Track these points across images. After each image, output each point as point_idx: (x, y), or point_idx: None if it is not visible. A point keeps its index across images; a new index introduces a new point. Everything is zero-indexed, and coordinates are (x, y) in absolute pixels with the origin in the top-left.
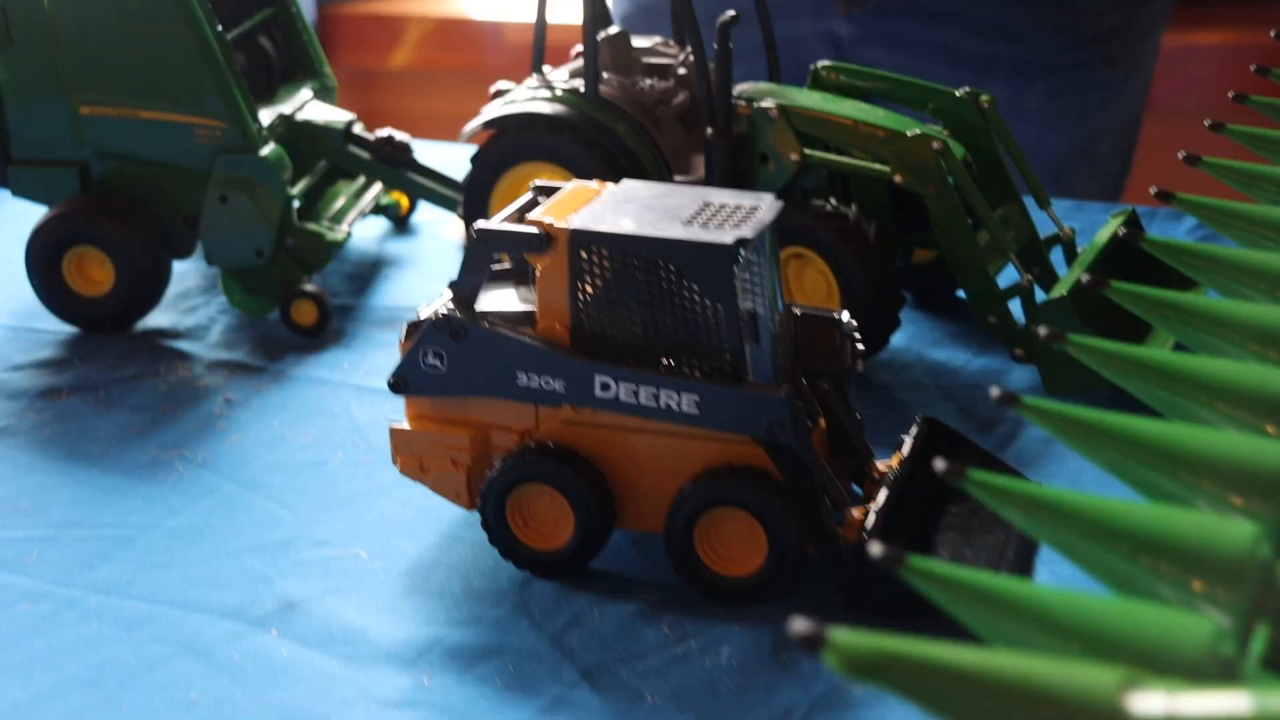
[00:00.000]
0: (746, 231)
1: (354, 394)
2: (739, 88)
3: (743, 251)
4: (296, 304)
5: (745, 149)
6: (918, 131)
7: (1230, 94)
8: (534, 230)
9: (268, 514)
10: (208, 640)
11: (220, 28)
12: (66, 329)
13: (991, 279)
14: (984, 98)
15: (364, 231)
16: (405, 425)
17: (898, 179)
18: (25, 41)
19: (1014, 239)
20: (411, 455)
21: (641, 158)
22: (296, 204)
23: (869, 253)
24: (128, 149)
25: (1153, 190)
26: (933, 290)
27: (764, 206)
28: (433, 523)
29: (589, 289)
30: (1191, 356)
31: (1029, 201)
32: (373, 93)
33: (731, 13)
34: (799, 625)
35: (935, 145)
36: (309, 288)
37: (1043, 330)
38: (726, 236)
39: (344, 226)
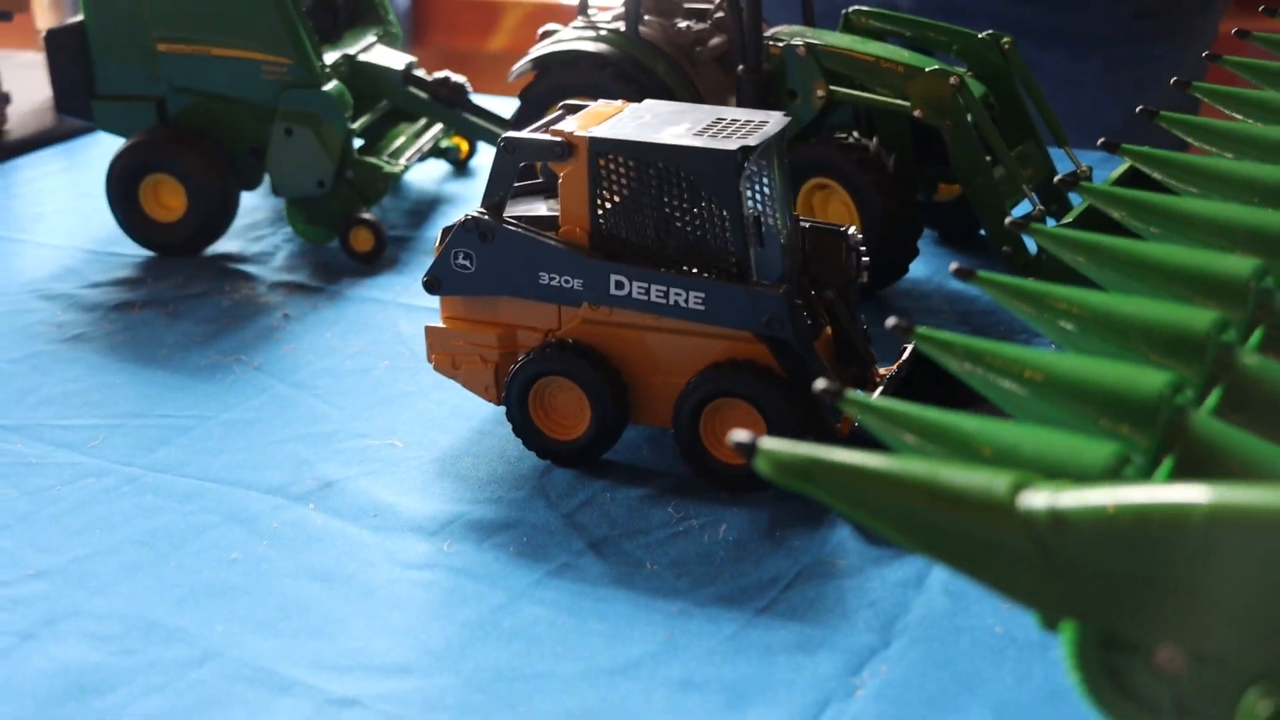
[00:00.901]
0: (751, 140)
1: (403, 311)
2: (772, 29)
3: (746, 159)
4: (355, 231)
5: (775, 86)
6: (935, 68)
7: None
8: (557, 139)
9: (314, 410)
10: (252, 512)
11: None
12: (143, 253)
13: (1007, 212)
14: (1005, 40)
15: (426, 172)
16: (440, 324)
17: (917, 114)
18: None
19: (1031, 175)
20: (445, 353)
21: (678, 95)
22: (358, 140)
23: (887, 183)
24: (200, 84)
25: (1100, 141)
26: (955, 228)
27: (772, 121)
28: (465, 419)
29: (606, 194)
30: (1141, 243)
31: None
32: (467, 74)
33: None
34: (738, 435)
35: (952, 81)
36: (367, 216)
37: (1008, 220)
38: (732, 144)
39: (402, 161)
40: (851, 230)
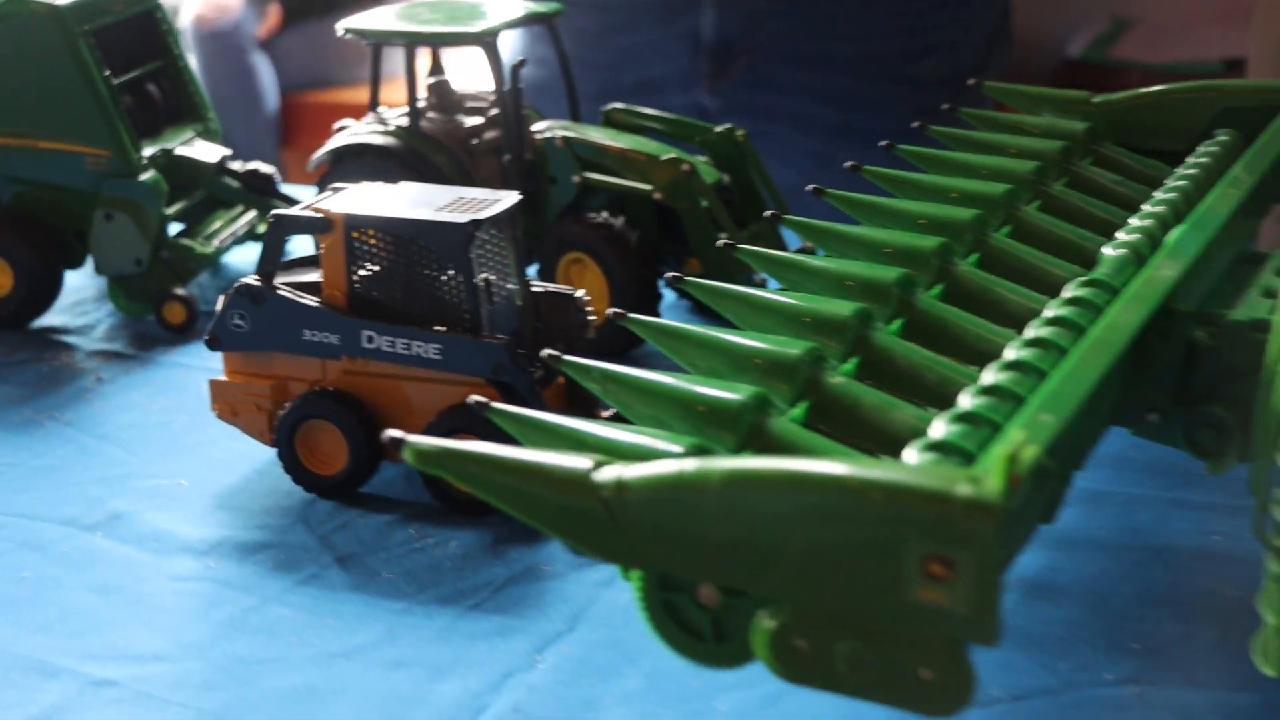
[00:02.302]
0: (480, 215)
1: (207, 374)
2: (540, 124)
3: (476, 231)
4: (169, 305)
5: (537, 173)
6: (671, 157)
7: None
8: (319, 215)
9: (113, 457)
10: (45, 539)
11: (109, 73)
12: None
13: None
14: (739, 133)
15: (244, 254)
16: (222, 377)
17: (657, 196)
18: None
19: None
20: (225, 402)
21: (456, 181)
22: (179, 224)
23: (630, 257)
24: (29, 174)
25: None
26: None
27: (504, 200)
28: (248, 462)
29: (360, 262)
30: (761, 292)
31: None
32: None
33: (521, 58)
34: (391, 433)
35: (684, 168)
36: (180, 292)
37: (669, 275)
38: (464, 218)
39: (215, 243)
40: (579, 294)
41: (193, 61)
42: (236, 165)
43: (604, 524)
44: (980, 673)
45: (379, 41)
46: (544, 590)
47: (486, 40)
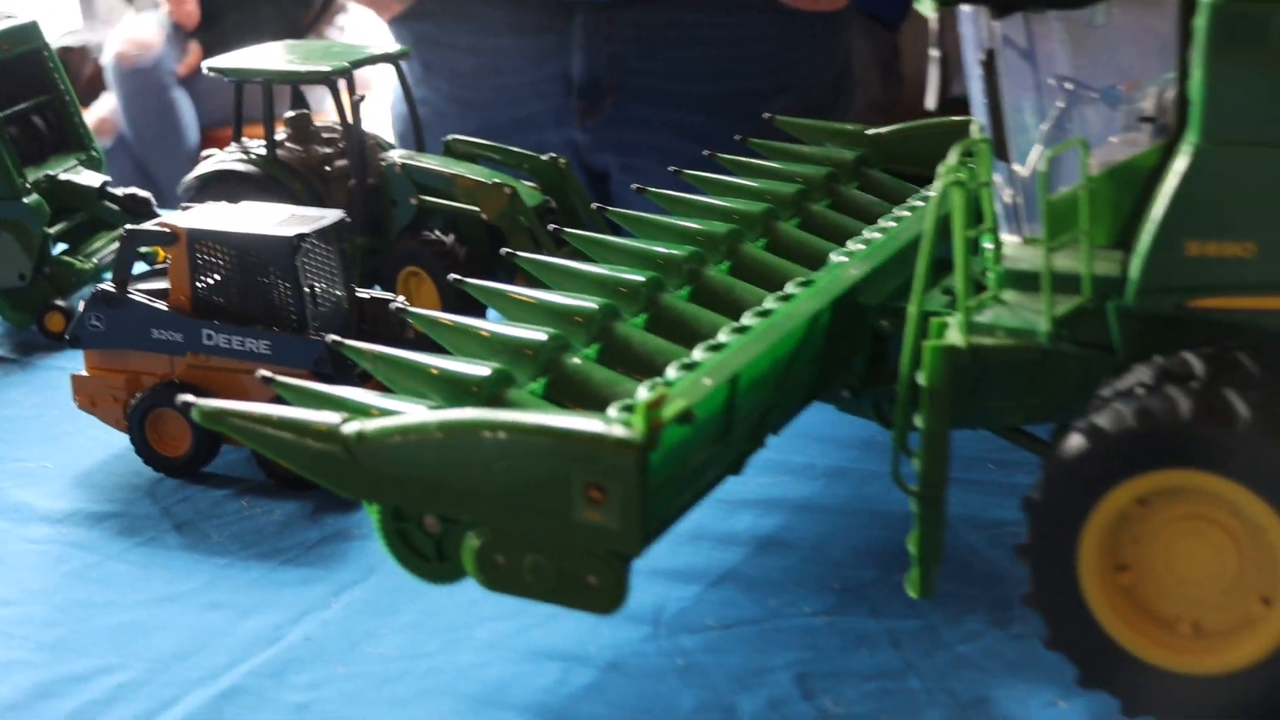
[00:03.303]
0: (305, 229)
1: None
2: (386, 153)
3: (301, 243)
4: (49, 315)
5: (380, 197)
6: (496, 181)
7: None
8: (165, 229)
9: None
10: None
11: None
12: None
13: None
14: (561, 161)
15: None
16: (83, 373)
17: (484, 217)
18: None
19: None
20: (85, 394)
21: (308, 204)
22: (64, 244)
23: (458, 270)
24: None
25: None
26: None
27: (329, 217)
28: (106, 448)
29: (202, 269)
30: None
31: None
32: None
33: (362, 93)
34: (184, 397)
35: (506, 191)
36: (60, 303)
37: (452, 277)
38: (290, 232)
39: (94, 260)
40: (399, 299)
41: (113, 98)
42: (115, 190)
43: (348, 466)
44: (701, 607)
45: (239, 79)
46: (349, 549)
47: (331, 79)
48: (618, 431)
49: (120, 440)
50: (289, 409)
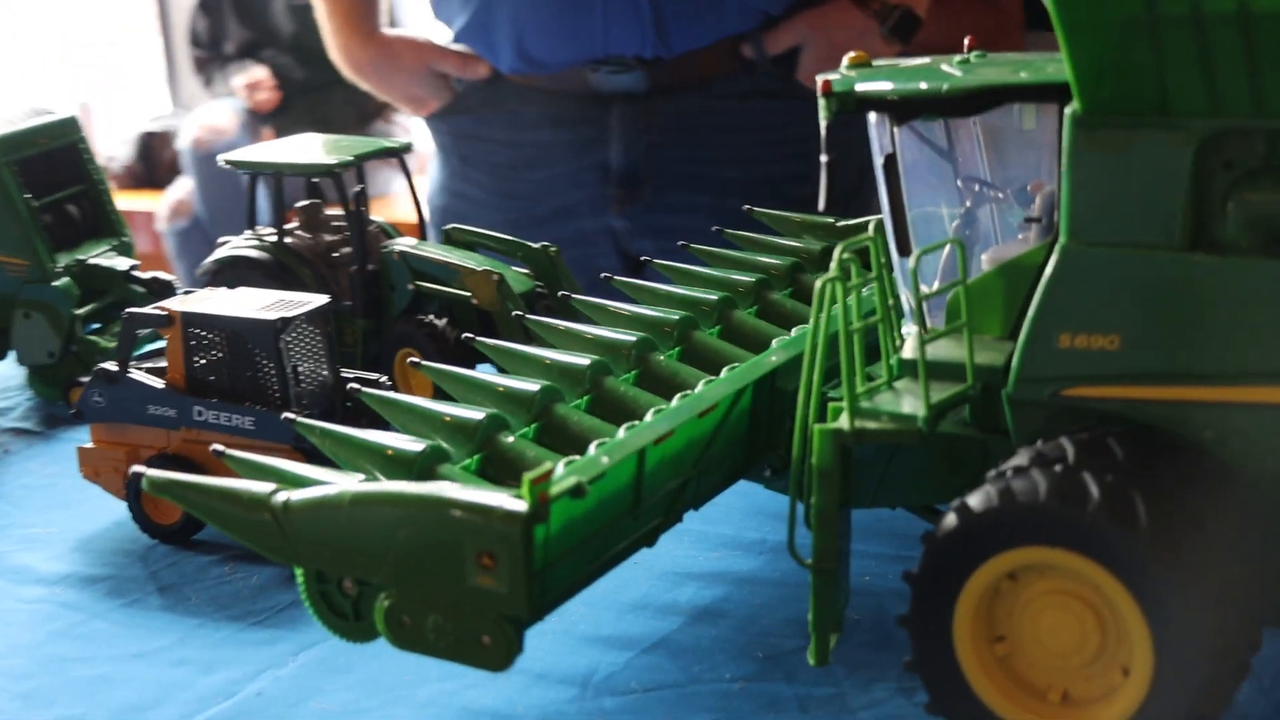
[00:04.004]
0: (289, 314)
1: None
2: (389, 242)
3: (285, 327)
4: (75, 390)
5: (380, 281)
6: (485, 269)
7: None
8: (162, 313)
9: (2, 510)
10: None
11: (29, 196)
12: None
13: None
14: (552, 249)
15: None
16: (89, 445)
17: (474, 301)
18: None
19: None
20: (90, 465)
21: (315, 290)
22: (96, 323)
23: (449, 351)
24: None
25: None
26: None
27: (314, 302)
28: (109, 515)
29: (196, 350)
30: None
31: None
32: None
33: (359, 185)
34: (135, 468)
35: (494, 278)
36: (85, 380)
37: (410, 359)
38: (274, 316)
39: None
40: (383, 379)
41: (190, 181)
42: (142, 274)
43: (276, 533)
44: (629, 671)
45: (252, 172)
46: None
47: (335, 172)
48: (506, 504)
49: (121, 508)
50: (227, 480)
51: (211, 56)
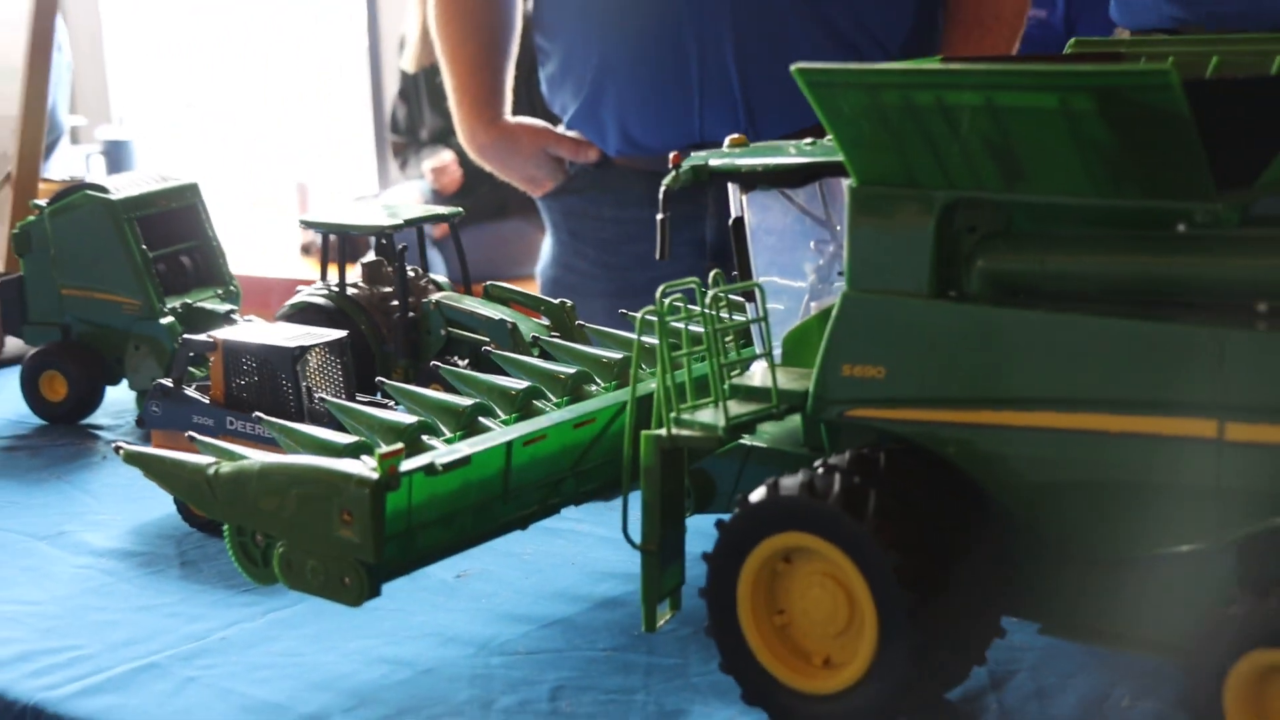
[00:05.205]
0: (307, 343)
1: None
2: (434, 295)
3: (303, 354)
4: None
5: (418, 327)
6: (501, 317)
7: None
8: (209, 340)
9: (83, 501)
10: (8, 542)
11: (145, 247)
12: (37, 421)
13: None
14: (568, 304)
15: None
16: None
17: (494, 347)
18: (37, 249)
19: None
20: None
21: (370, 338)
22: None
23: None
24: (88, 315)
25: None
26: None
27: (333, 334)
28: (163, 508)
29: (234, 372)
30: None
31: None
32: None
33: (403, 244)
34: (117, 443)
35: (509, 326)
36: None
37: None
38: (294, 344)
39: None
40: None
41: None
42: (237, 318)
43: (209, 495)
44: (524, 640)
45: (324, 231)
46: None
47: (386, 233)
48: (362, 472)
49: (170, 502)
50: (179, 454)
51: (408, 142)
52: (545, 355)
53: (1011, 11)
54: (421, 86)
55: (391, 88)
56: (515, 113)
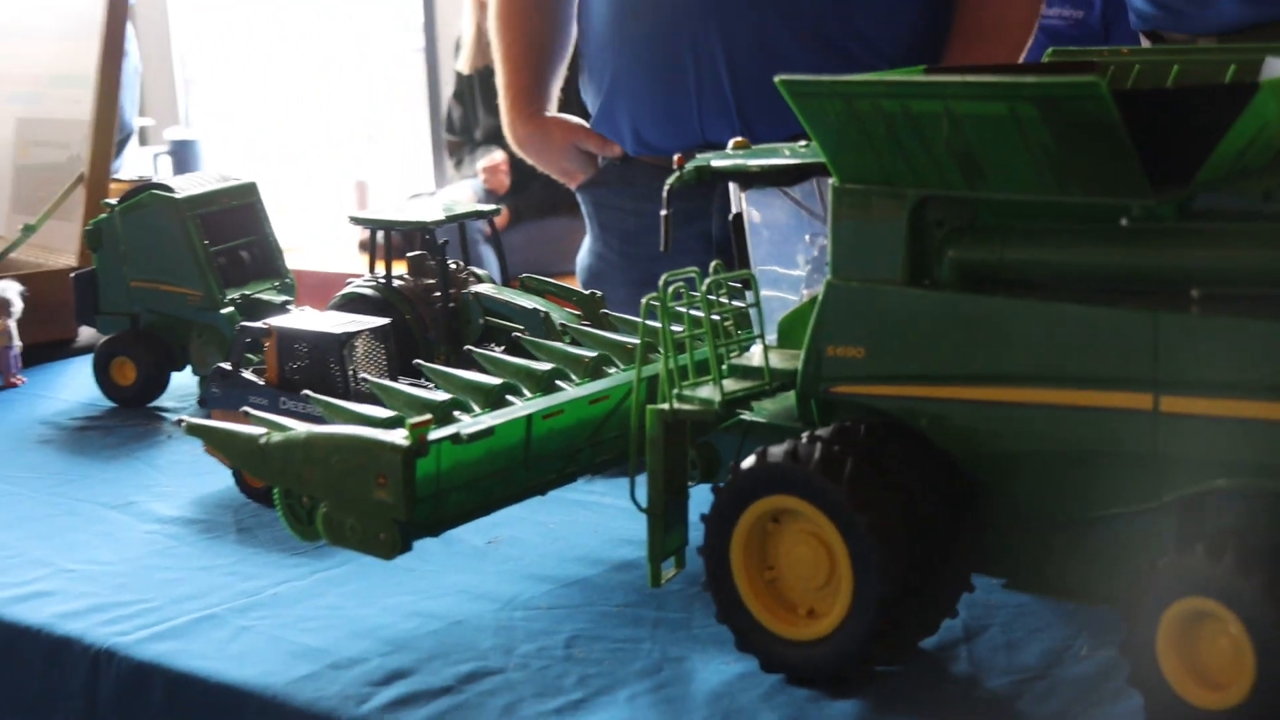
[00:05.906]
0: (351, 329)
1: None
2: (475, 285)
3: (348, 340)
4: None
5: (458, 316)
6: (534, 306)
7: None
8: (264, 327)
9: (149, 475)
10: (83, 510)
11: (207, 242)
12: (108, 403)
13: None
14: (598, 295)
15: None
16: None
17: (525, 333)
18: (108, 245)
19: None
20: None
21: (413, 328)
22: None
23: None
24: (155, 306)
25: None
26: None
27: (378, 322)
28: (223, 481)
29: (288, 356)
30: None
31: None
32: None
33: (445, 239)
34: (179, 417)
35: (540, 314)
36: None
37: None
38: (339, 331)
39: None
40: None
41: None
42: (292, 308)
43: (262, 461)
44: (545, 596)
45: (371, 227)
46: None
47: (425, 228)
48: (395, 440)
49: (229, 475)
50: (236, 425)
51: (463, 141)
52: (574, 341)
53: (1015, 22)
54: (476, 88)
55: (447, 89)
56: (570, 112)
